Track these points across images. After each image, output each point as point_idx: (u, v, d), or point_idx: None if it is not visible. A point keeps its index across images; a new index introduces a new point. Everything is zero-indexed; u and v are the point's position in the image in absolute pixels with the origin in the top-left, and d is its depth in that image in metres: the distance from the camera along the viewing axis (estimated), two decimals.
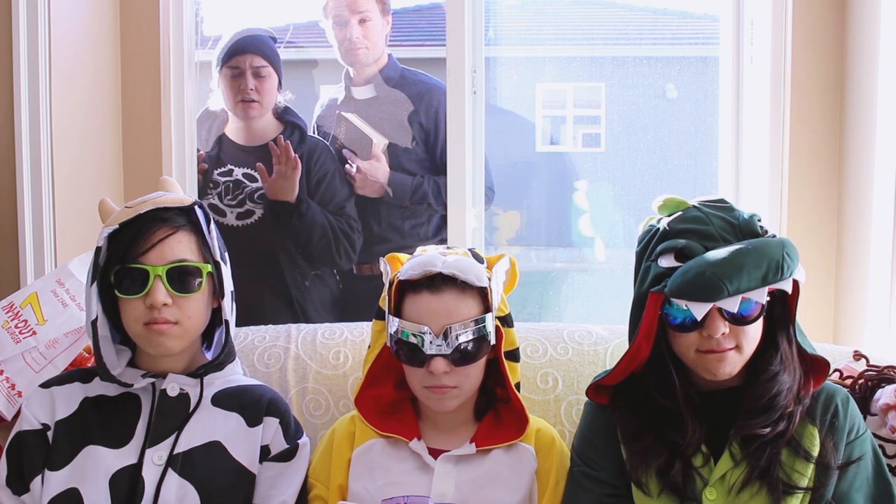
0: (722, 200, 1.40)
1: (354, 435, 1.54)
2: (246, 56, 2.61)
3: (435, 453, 1.50)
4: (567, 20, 3.66)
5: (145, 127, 2.43)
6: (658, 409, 1.38)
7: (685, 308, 1.30)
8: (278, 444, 1.49)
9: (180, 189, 1.56)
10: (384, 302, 1.56)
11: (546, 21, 3.56)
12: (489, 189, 2.59)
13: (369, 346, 1.63)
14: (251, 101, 2.61)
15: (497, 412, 1.56)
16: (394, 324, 1.49)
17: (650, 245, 1.39)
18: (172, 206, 1.45)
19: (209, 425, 1.46)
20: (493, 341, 1.49)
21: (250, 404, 1.50)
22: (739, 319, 1.31)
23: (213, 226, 1.48)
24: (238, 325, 1.93)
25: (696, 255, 1.31)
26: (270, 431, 1.49)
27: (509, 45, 3.39)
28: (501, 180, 3.09)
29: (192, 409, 1.46)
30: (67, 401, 1.46)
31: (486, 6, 2.53)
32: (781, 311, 1.38)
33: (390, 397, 1.58)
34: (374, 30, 2.67)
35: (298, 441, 1.51)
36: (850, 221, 2.15)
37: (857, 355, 1.68)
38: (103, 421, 1.44)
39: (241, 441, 1.47)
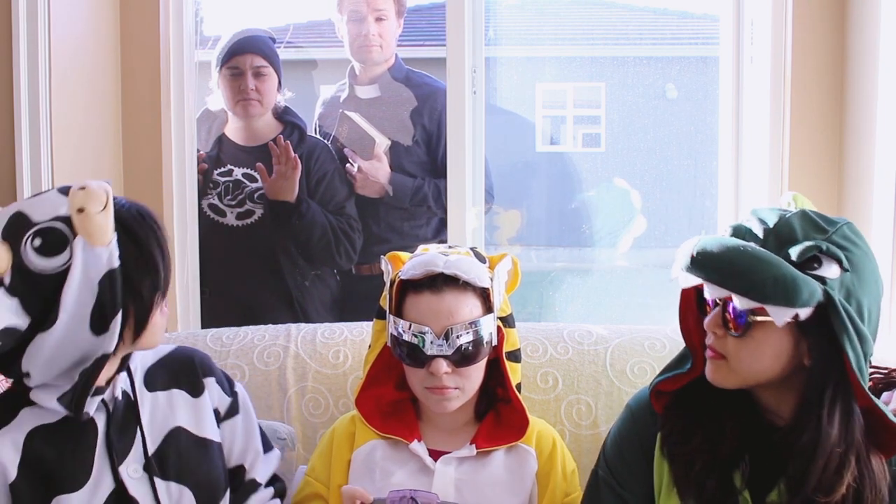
0: (846, 224, 1.26)
1: (354, 435, 1.53)
2: (246, 56, 2.61)
3: (435, 455, 1.49)
4: (567, 20, 3.66)
5: (145, 127, 2.43)
6: (709, 421, 1.30)
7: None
8: (224, 403, 1.43)
9: None
10: (385, 301, 1.55)
11: (546, 21, 3.57)
12: (487, 193, 2.59)
13: (370, 346, 1.62)
14: (251, 99, 2.62)
15: (497, 412, 1.55)
16: (394, 323, 1.48)
17: None
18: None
19: (158, 415, 1.35)
20: (494, 342, 1.49)
21: (182, 371, 1.40)
22: (727, 319, 1.23)
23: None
24: (238, 325, 1.94)
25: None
26: (214, 393, 1.42)
27: (509, 45, 3.39)
28: (501, 180, 3.10)
29: (134, 401, 1.34)
30: (11, 452, 1.25)
31: (486, 6, 2.53)
32: (834, 361, 1.21)
33: (391, 397, 1.57)
34: (389, 30, 2.70)
35: (235, 390, 1.46)
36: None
37: None
38: (62, 460, 1.27)
39: (197, 415, 1.38)
